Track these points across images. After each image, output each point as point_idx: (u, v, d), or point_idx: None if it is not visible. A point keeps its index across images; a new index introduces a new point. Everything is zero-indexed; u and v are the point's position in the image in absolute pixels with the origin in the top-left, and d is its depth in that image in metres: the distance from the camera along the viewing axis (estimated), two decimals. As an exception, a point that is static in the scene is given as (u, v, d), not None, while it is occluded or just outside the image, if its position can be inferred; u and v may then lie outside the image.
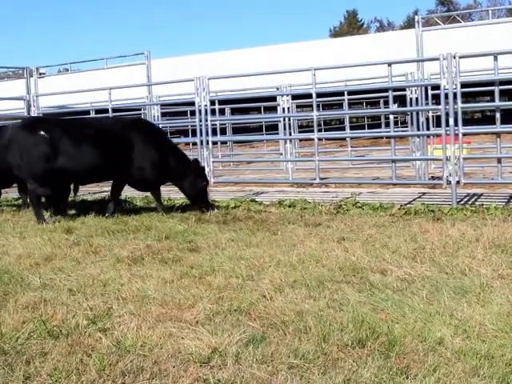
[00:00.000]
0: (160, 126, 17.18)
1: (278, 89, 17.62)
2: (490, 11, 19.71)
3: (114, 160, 10.16)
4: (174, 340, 4.35)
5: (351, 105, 18.77)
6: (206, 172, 12.37)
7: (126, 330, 4.57)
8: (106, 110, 14.88)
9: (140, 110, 20.36)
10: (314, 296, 5.25)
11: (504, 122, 11.64)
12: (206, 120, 12.82)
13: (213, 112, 15.30)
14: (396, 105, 15.34)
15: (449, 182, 10.21)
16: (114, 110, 14.98)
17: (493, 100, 11.13)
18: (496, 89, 10.89)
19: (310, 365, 3.88)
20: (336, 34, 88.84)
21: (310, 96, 11.23)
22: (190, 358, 4.04)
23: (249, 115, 36.22)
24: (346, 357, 3.98)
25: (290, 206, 10.44)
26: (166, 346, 4.24)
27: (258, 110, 28.63)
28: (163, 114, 20.02)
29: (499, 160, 10.73)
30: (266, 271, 6.14)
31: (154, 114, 16.74)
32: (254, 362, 3.94)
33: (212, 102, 13.86)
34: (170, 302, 5.25)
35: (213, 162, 13.10)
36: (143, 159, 10.23)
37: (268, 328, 4.55)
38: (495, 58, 10.90)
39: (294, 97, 17.78)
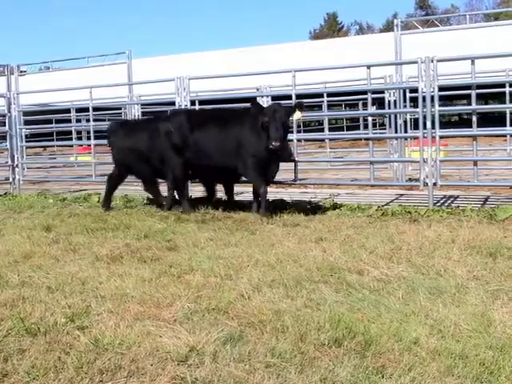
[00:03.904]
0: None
1: (258, 90, 17.65)
2: (468, 16, 19.80)
3: None
4: (152, 338, 4.37)
5: (330, 106, 18.85)
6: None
7: (104, 328, 4.58)
8: (87, 109, 14.83)
9: (121, 109, 20.31)
10: (291, 295, 5.29)
11: (480, 125, 11.75)
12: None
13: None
14: (374, 107, 15.47)
15: (426, 184, 10.29)
16: (95, 109, 14.94)
17: (470, 103, 11.22)
18: (473, 92, 11.00)
19: (287, 364, 3.91)
20: (316, 36, 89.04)
21: (289, 97, 11.24)
22: (167, 357, 4.06)
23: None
24: (323, 356, 4.02)
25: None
26: (144, 345, 4.26)
27: (237, 110, 28.53)
28: (144, 114, 19.97)
29: (475, 162, 10.83)
30: (245, 270, 6.16)
31: (134, 114, 16.70)
32: (232, 360, 3.97)
33: (192, 102, 13.83)
34: (149, 300, 5.27)
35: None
36: None
37: (246, 327, 4.58)
38: (472, 62, 11.00)
39: (274, 98, 17.81)
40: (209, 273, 6.11)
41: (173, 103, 13.18)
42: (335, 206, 10.17)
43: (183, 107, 12.12)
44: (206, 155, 10.16)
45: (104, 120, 23.97)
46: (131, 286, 5.66)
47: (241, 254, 6.86)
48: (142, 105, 18.85)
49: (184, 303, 5.11)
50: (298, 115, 9.77)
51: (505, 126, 15.55)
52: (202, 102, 14.81)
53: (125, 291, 5.53)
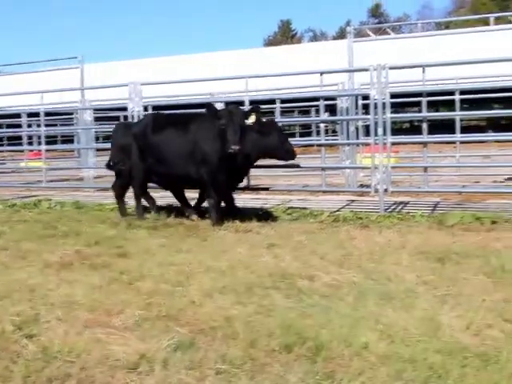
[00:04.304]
0: (93, 131, 17.07)
1: (211, 96, 17.63)
2: (420, 24, 20.20)
3: None
4: (101, 346, 4.33)
5: (283, 113, 18.94)
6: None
7: (53, 335, 4.52)
8: (38, 114, 14.67)
9: (72, 114, 20.09)
10: (242, 302, 5.28)
11: (431, 132, 11.90)
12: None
13: (145, 118, 15.15)
14: (327, 114, 15.56)
15: (377, 190, 10.39)
16: (46, 114, 14.78)
17: (420, 111, 11.38)
18: (423, 100, 11.16)
19: (238, 370, 3.92)
20: (270, 43, 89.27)
21: (242, 104, 11.26)
22: (117, 364, 4.04)
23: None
24: (274, 362, 4.03)
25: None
26: (93, 352, 4.22)
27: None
28: (96, 119, 19.80)
29: (425, 169, 10.98)
30: (196, 277, 6.15)
31: (86, 119, 16.54)
32: (182, 367, 3.96)
33: (145, 108, 13.77)
34: (99, 307, 5.22)
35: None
36: None
37: (196, 334, 4.56)
38: (423, 70, 11.18)
39: (228, 104, 17.79)
40: (160, 279, 6.07)
41: (125, 109, 13.11)
42: (287, 212, 10.20)
43: (153, 111, 12.02)
44: (164, 161, 10.03)
45: (55, 125, 23.77)
46: (81, 294, 5.60)
47: (192, 260, 6.84)
48: (95, 110, 18.69)
49: (134, 310, 5.08)
50: (253, 119, 9.53)
51: (454, 133, 15.80)
52: (155, 108, 14.72)
53: (74, 298, 5.47)
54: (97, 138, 23.63)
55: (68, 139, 25.42)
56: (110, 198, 11.37)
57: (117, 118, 22.90)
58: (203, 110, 9.66)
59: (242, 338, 4.38)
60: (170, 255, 7.19)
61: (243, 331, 4.49)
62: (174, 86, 15.38)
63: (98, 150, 17.65)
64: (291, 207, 10.68)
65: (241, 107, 9.93)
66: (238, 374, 3.87)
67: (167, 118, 10.48)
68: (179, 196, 10.55)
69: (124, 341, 4.38)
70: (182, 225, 9.46)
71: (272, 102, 18.94)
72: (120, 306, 5.24)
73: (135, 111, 12.60)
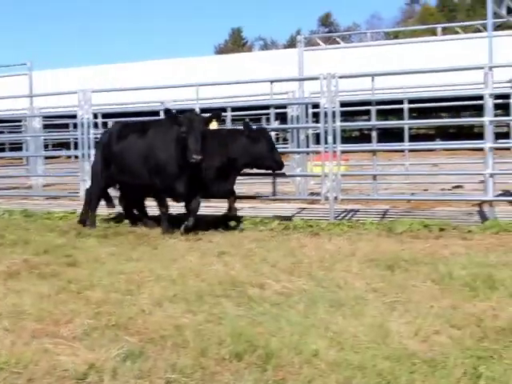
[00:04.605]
0: (41, 138, 16.85)
1: (162, 104, 17.56)
2: (369, 34, 20.39)
3: None
4: (49, 356, 4.27)
5: (234, 121, 18.91)
6: (87, 186, 12.19)
7: (0, 346, 4.45)
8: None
9: (21, 121, 19.82)
10: (193, 310, 5.27)
11: (380, 140, 12.04)
12: (89, 133, 12.62)
13: (96, 125, 15.04)
14: (277, 122, 15.62)
15: (327, 198, 10.45)
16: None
17: (370, 119, 11.50)
18: (373, 108, 11.27)
19: (188, 379, 3.90)
20: (221, 51, 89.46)
21: (192, 111, 11.23)
22: (65, 375, 3.99)
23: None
24: (224, 370, 4.03)
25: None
26: (41, 363, 4.16)
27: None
28: (45, 126, 19.56)
29: (375, 177, 11.09)
30: (146, 286, 6.11)
31: (35, 126, 16.33)
32: (132, 377, 3.93)
33: (95, 115, 13.66)
34: (47, 317, 5.15)
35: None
36: None
37: (146, 343, 4.54)
38: (372, 79, 11.30)
39: (179, 112, 17.74)
40: (109, 288, 6.02)
41: (75, 116, 12.99)
42: (238, 220, 10.20)
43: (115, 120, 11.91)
44: (124, 170, 9.91)
45: (3, 132, 23.44)
46: (29, 303, 5.52)
47: (142, 268, 6.80)
48: (44, 117, 18.48)
49: (83, 320, 5.03)
50: (214, 125, 9.38)
51: (403, 141, 16.02)
52: (105, 116, 14.62)
53: (22, 308, 5.39)
54: (46, 146, 23.39)
55: (17, 147, 25.09)
56: (59, 207, 11.23)
57: (66, 126, 22.71)
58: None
59: (192, 347, 4.36)
60: (120, 264, 7.13)
61: (193, 340, 4.47)
62: (125, 94, 15.32)
63: (46, 157, 17.47)
64: (242, 215, 10.66)
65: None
66: (187, 383, 3.86)
67: (131, 127, 10.27)
68: (139, 205, 10.45)
69: (72, 351, 4.33)
70: (133, 233, 9.39)
71: (223, 110, 18.95)
72: (69, 315, 5.18)
73: (85, 118, 12.47)
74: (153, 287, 6.03)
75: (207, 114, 9.42)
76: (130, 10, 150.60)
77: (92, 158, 12.60)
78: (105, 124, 21.27)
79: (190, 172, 9.17)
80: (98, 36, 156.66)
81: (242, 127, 10.15)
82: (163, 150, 9.30)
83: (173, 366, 4.06)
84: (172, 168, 9.21)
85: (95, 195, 10.44)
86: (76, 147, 14.67)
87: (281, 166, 10.01)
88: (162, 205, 9.54)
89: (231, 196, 10.05)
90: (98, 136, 16.31)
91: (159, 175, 9.35)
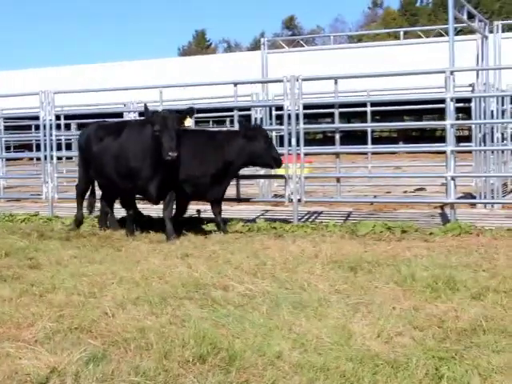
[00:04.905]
0: (3, 140, 16.64)
1: (125, 105, 17.47)
2: (332, 37, 20.40)
3: None
4: (11, 360, 4.23)
5: (198, 123, 18.89)
6: (50, 188, 12.09)
7: (-40, 351, 4.39)
8: None
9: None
10: (156, 312, 5.25)
11: (343, 142, 12.11)
12: (51, 135, 12.49)
13: (58, 127, 14.98)
14: (241, 124, 15.60)
15: (291, 200, 10.48)
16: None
17: (333, 122, 11.55)
18: (336, 111, 11.33)
19: (151, 382, 3.89)
20: (185, 53, 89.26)
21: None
22: (27, 379, 3.96)
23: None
24: (187, 373, 4.02)
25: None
26: (2, 367, 4.12)
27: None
28: (6, 128, 19.36)
29: (338, 179, 11.14)
30: (109, 288, 6.08)
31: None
32: (94, 380, 3.91)
33: (57, 117, 13.54)
34: (8, 321, 5.10)
35: (57, 177, 12.78)
36: None
37: (109, 346, 4.51)
38: (336, 82, 11.35)
39: (142, 114, 17.66)
40: (72, 291, 5.98)
41: (37, 117, 12.86)
42: (201, 222, 10.18)
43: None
44: (100, 171, 9.80)
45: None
46: (-11, 307, 5.46)
47: (105, 271, 6.76)
48: (5, 118, 18.30)
49: (45, 323, 4.98)
50: (188, 122, 9.20)
51: (366, 144, 16.12)
52: (67, 117, 14.50)
53: (-18, 312, 5.32)
54: (7, 148, 23.11)
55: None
56: (21, 209, 11.11)
57: (28, 127, 22.46)
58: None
59: (155, 350, 4.34)
60: (83, 266, 7.08)
61: (157, 342, 4.45)
62: (88, 95, 15.21)
63: (8, 159, 17.27)
64: (205, 217, 10.65)
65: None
66: (151, 385, 3.84)
67: (107, 128, 10.08)
68: (111, 205, 10.37)
69: (34, 354, 4.29)
70: (96, 235, 9.34)
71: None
72: (31, 318, 5.13)
73: (47, 120, 12.35)
74: (116, 290, 6.00)
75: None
76: (95, 11, 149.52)
77: (54, 160, 12.52)
78: (67, 126, 21.20)
79: (164, 172, 8.98)
80: (63, 37, 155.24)
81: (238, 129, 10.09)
82: (137, 149, 9.10)
83: (136, 369, 4.04)
84: (146, 168, 9.02)
85: (77, 197, 10.42)
86: (38, 149, 14.48)
87: (279, 163, 9.88)
88: (130, 205, 9.46)
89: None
90: (61, 138, 16.24)
91: (133, 175, 9.14)
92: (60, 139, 17.50)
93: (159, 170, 8.96)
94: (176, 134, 8.71)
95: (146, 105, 9.23)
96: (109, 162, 9.46)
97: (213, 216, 9.92)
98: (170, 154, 8.48)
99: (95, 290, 6.03)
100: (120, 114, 14.31)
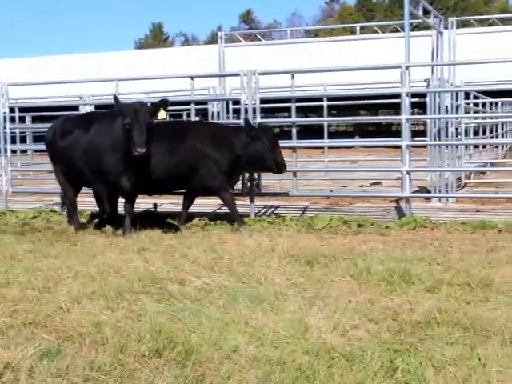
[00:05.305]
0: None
1: (80, 98, 17.30)
2: (289, 31, 20.49)
3: None
4: (-37, 356, 4.16)
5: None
6: (4, 181, 11.92)
7: None
8: None
9: None
10: (112, 307, 5.22)
11: (300, 137, 12.14)
12: (5, 127, 12.32)
13: (12, 119, 14.77)
14: (198, 118, 15.56)
15: (247, 194, 10.49)
16: None
17: (290, 116, 11.58)
18: (293, 105, 11.37)
19: (106, 376, 3.87)
20: (141, 45, 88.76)
21: (113, 107, 11.10)
22: (-21, 376, 3.89)
23: (50, 124, 35.26)
24: (143, 367, 4.00)
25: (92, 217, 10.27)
26: (-46, 363, 4.05)
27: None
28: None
29: (295, 173, 11.17)
30: (64, 283, 6.03)
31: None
32: (49, 375, 3.87)
33: (12, 110, 13.36)
34: (-39, 316, 5.02)
35: (11, 170, 12.61)
36: None
37: (64, 340, 4.48)
38: (292, 76, 11.38)
39: (98, 107, 17.55)
40: (26, 286, 5.91)
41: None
42: (158, 216, 10.13)
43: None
44: (68, 168, 9.45)
45: None
46: None
47: (60, 265, 6.69)
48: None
49: (-1, 318, 4.92)
50: (162, 115, 8.81)
51: (323, 138, 16.22)
52: (22, 110, 14.32)
53: None
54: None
55: None
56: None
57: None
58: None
59: (111, 344, 4.32)
60: (38, 261, 7.01)
61: (112, 337, 4.42)
62: (44, 88, 15.01)
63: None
64: (163, 211, 10.60)
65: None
66: (106, 380, 3.82)
67: (75, 120, 9.62)
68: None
69: (-13, 350, 4.23)
70: (51, 230, 9.24)
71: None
72: (-16, 313, 5.06)
73: (1, 112, 12.18)
74: (71, 284, 5.95)
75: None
76: (51, 3, 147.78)
77: (9, 154, 12.35)
78: (22, 118, 20.93)
79: (135, 167, 8.66)
80: (20, 29, 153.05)
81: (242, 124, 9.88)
82: (105, 143, 8.68)
83: (91, 364, 4.01)
84: (115, 163, 8.64)
85: (68, 206, 10.00)
86: (-8, 142, 14.28)
87: (281, 168, 9.54)
88: (103, 202, 9.15)
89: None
90: (15, 131, 16.02)
91: (103, 171, 8.75)
92: (14, 132, 17.35)
93: (131, 164, 8.60)
94: (147, 128, 8.38)
95: (115, 96, 8.87)
96: (78, 156, 9.03)
97: (168, 210, 9.87)
98: (138, 149, 8.18)
99: (50, 284, 5.97)
100: (76, 107, 14.14)
